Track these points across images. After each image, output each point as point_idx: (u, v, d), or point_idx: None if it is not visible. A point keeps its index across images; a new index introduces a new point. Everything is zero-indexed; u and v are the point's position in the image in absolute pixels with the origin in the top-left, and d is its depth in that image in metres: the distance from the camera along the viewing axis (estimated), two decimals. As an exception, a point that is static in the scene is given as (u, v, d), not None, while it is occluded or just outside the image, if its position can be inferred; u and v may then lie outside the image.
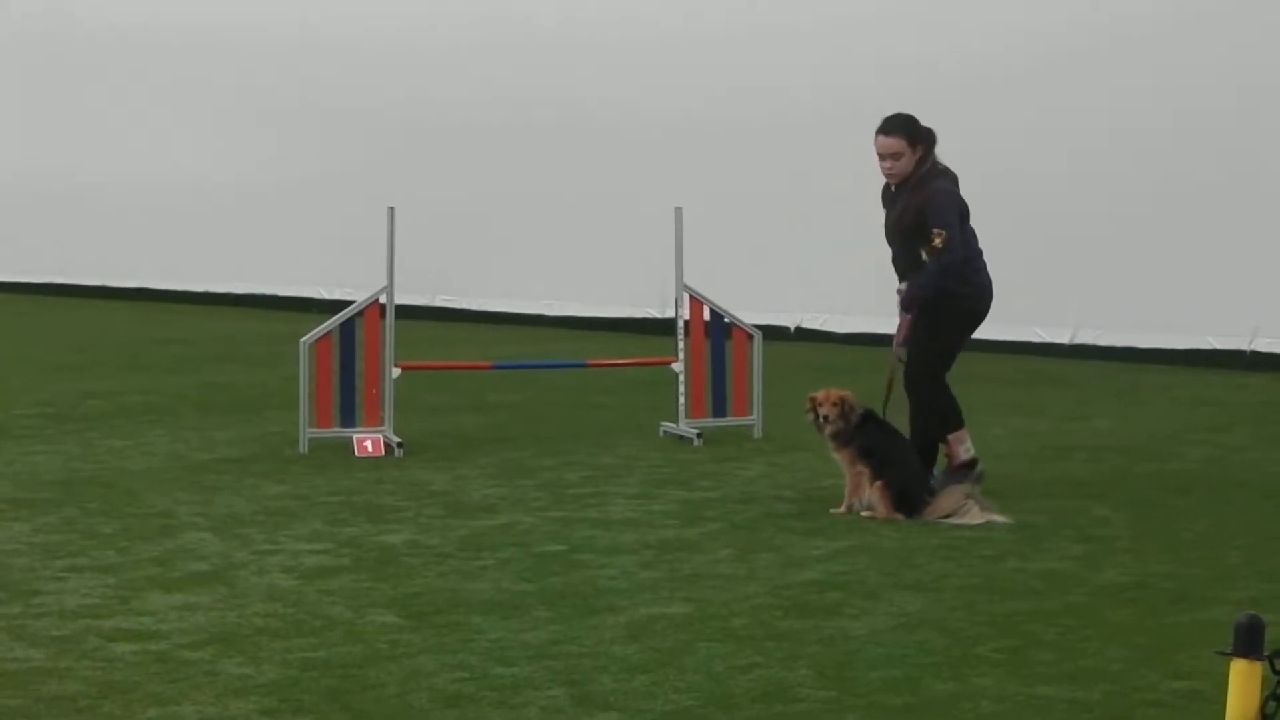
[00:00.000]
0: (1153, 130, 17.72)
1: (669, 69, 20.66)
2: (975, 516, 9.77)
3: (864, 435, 10.14)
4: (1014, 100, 18.49)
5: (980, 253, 10.64)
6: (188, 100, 24.57)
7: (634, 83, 20.92)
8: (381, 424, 12.29)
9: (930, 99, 18.61)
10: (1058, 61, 18.22)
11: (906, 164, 10.47)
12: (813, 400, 10.24)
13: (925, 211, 10.35)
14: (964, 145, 18.08)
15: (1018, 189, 18.12)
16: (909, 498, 9.92)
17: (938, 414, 10.62)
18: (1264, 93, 17.21)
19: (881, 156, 10.54)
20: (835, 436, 10.19)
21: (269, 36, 23.80)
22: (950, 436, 10.60)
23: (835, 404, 10.16)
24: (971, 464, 10.56)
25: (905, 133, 10.47)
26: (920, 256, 10.43)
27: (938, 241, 10.30)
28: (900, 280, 10.60)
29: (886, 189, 10.72)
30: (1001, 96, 18.52)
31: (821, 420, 10.18)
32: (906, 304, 10.49)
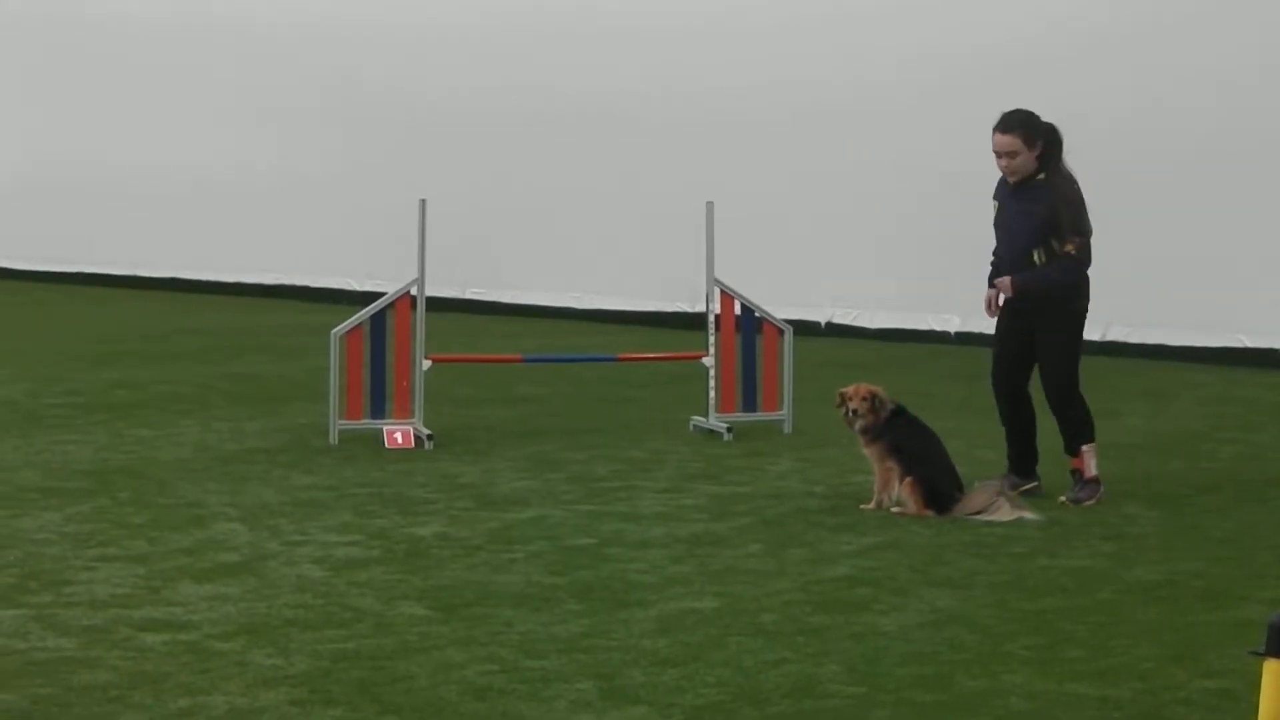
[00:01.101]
0: (1186, 124, 17.65)
1: (701, 62, 20.64)
2: (1006, 514, 9.76)
3: (893, 431, 10.13)
4: (1043, 90, 18.42)
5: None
6: (219, 90, 24.59)
7: (666, 76, 20.91)
8: (412, 416, 12.31)
9: (963, 89, 18.67)
10: (1087, 48, 18.15)
11: (1025, 161, 10.29)
12: (842, 395, 10.24)
13: (1058, 216, 10.19)
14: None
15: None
16: (939, 495, 9.91)
17: (1088, 424, 10.56)
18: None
19: (998, 154, 10.38)
20: (864, 431, 10.18)
21: (303, 27, 23.80)
22: (1084, 448, 10.44)
23: (865, 398, 10.16)
24: (1095, 482, 10.45)
25: (1023, 130, 10.29)
26: (1032, 257, 10.32)
27: (1070, 248, 10.20)
28: (995, 274, 10.50)
29: (1003, 182, 10.55)
30: (1032, 85, 18.47)
31: (851, 415, 10.17)
32: (1021, 290, 10.28)
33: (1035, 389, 10.65)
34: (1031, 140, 10.28)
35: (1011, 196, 10.45)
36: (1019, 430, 10.76)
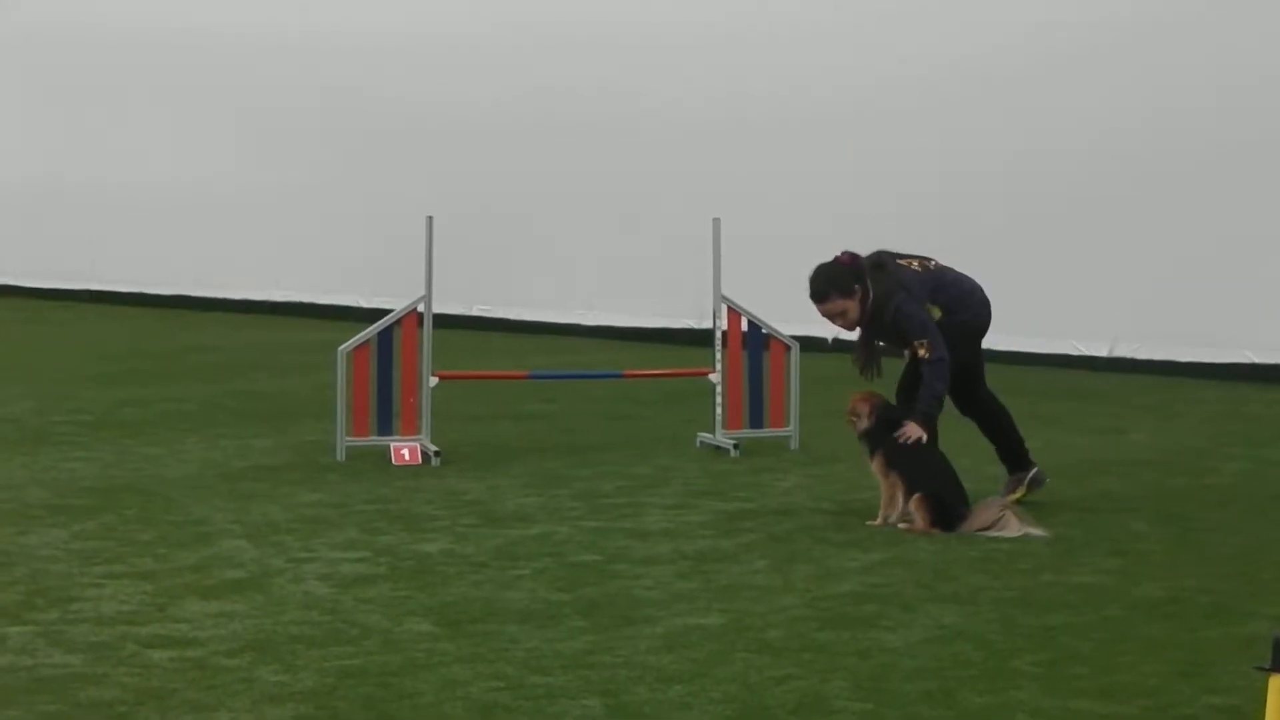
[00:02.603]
0: (1189, 143, 17.67)
1: (706, 82, 20.69)
2: (1012, 529, 9.76)
3: (898, 446, 10.12)
4: (1049, 99, 18.46)
5: (970, 288, 10.62)
6: (225, 109, 24.68)
7: (671, 93, 20.95)
8: (419, 433, 12.32)
9: (968, 100, 18.71)
10: (1093, 56, 18.18)
11: (855, 312, 10.38)
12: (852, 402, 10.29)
13: (902, 333, 10.32)
14: (1011, 148, 18.19)
15: (1056, 201, 18.11)
16: (946, 512, 9.90)
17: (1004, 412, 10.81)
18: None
19: (829, 319, 10.53)
20: (865, 436, 10.18)
21: (309, 47, 23.88)
22: None
23: (865, 400, 10.17)
24: None
25: (838, 291, 10.37)
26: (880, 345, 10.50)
27: (923, 352, 10.28)
28: (860, 370, 10.57)
29: None
30: (1035, 94, 18.50)
31: (853, 418, 10.20)
32: (925, 422, 10.21)
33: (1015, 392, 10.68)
34: (848, 292, 10.34)
35: (866, 329, 10.51)
36: (995, 432, 10.93)
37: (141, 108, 25.43)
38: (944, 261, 10.70)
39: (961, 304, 10.54)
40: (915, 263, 10.57)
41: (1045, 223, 18.12)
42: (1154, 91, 17.89)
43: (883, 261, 10.44)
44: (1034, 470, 10.85)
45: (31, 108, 26.82)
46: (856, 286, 10.32)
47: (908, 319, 10.28)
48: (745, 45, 20.51)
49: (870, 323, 10.40)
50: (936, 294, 10.45)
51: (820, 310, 10.49)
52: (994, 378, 10.90)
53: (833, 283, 10.37)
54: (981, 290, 10.68)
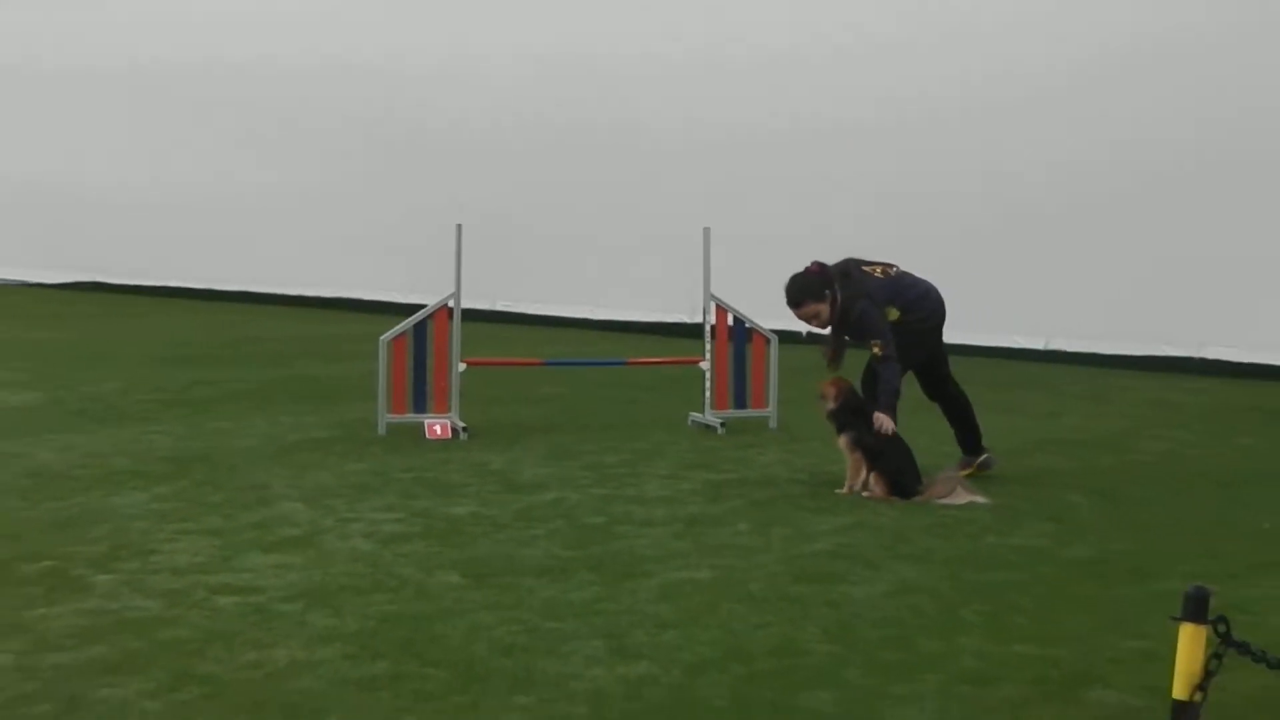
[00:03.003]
0: (1114, 174, 17.69)
1: (697, 109, 20.68)
2: (961, 498, 9.78)
3: (857, 425, 10.13)
4: (984, 131, 18.46)
5: (925, 291, 10.60)
6: (286, 131, 24.64)
7: (666, 120, 20.94)
8: (449, 411, 12.33)
9: (926, 124, 18.69)
10: (1050, 92, 18.21)
11: (826, 314, 10.38)
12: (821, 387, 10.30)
13: (862, 332, 10.33)
14: (964, 170, 18.19)
15: (1003, 218, 18.11)
16: (901, 483, 9.93)
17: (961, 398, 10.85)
18: (1218, 124, 17.17)
19: (804, 320, 10.52)
20: (832, 415, 10.18)
21: (360, 76, 23.84)
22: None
23: (833, 384, 10.19)
24: None
25: (810, 297, 10.36)
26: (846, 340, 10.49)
27: (877, 349, 10.31)
28: (829, 362, 10.52)
29: None
30: (975, 131, 18.50)
31: (822, 400, 10.21)
32: (888, 412, 10.23)
33: (978, 382, 10.68)
34: (820, 297, 10.33)
35: (836, 327, 10.51)
36: (957, 420, 10.96)
37: (212, 129, 25.40)
38: (905, 267, 10.71)
39: (917, 305, 10.54)
40: (879, 269, 10.57)
41: (992, 236, 18.13)
42: (1090, 128, 17.88)
43: (849, 270, 10.43)
44: (985, 455, 10.86)
45: (118, 125, 26.79)
46: (827, 292, 10.32)
47: (867, 322, 10.28)
48: (731, 75, 20.49)
49: (839, 322, 10.42)
50: (895, 297, 10.45)
51: (796, 314, 10.47)
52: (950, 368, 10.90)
53: (805, 291, 10.36)
54: (936, 291, 10.68)
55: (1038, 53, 18.26)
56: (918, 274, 10.70)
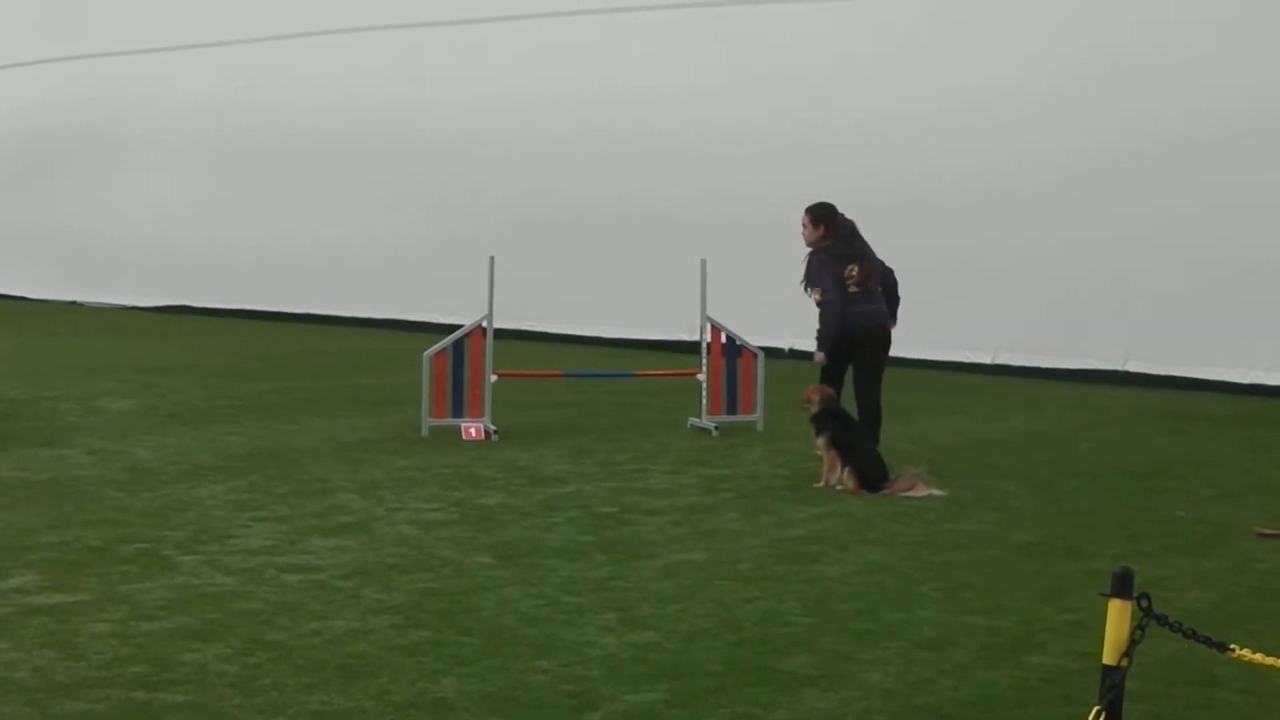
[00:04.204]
0: (1052, 190, 17.64)
1: (692, 175, 20.72)
2: (921, 491, 9.75)
3: (833, 428, 10.12)
4: (937, 151, 18.37)
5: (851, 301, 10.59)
6: (350, 179, 24.64)
7: (668, 189, 20.98)
8: (483, 416, 12.31)
9: (895, 157, 18.63)
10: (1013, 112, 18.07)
11: (809, 236, 10.65)
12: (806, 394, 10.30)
13: (809, 277, 10.56)
14: (912, 189, 18.11)
15: (952, 241, 18.06)
16: (869, 478, 9.91)
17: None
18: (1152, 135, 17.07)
19: (801, 225, 10.76)
20: (814, 419, 10.17)
21: (426, 142, 23.72)
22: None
23: (815, 391, 10.21)
24: None
25: (813, 218, 10.65)
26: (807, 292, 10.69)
27: (815, 297, 10.49)
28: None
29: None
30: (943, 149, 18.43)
31: (806, 405, 10.21)
32: (822, 347, 10.56)
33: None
34: (818, 222, 10.62)
35: (811, 256, 10.66)
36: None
37: (289, 179, 25.35)
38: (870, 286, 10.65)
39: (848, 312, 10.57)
40: (856, 270, 10.53)
41: (945, 258, 18.07)
42: (1033, 150, 17.79)
43: (849, 236, 10.62)
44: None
45: (204, 173, 26.78)
46: (823, 227, 10.55)
47: (814, 271, 10.50)
48: (719, 144, 20.52)
49: (812, 252, 10.57)
50: (840, 285, 10.50)
51: (802, 219, 10.70)
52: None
53: (819, 213, 10.63)
54: (879, 309, 10.63)
55: (950, 84, 18.18)
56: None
